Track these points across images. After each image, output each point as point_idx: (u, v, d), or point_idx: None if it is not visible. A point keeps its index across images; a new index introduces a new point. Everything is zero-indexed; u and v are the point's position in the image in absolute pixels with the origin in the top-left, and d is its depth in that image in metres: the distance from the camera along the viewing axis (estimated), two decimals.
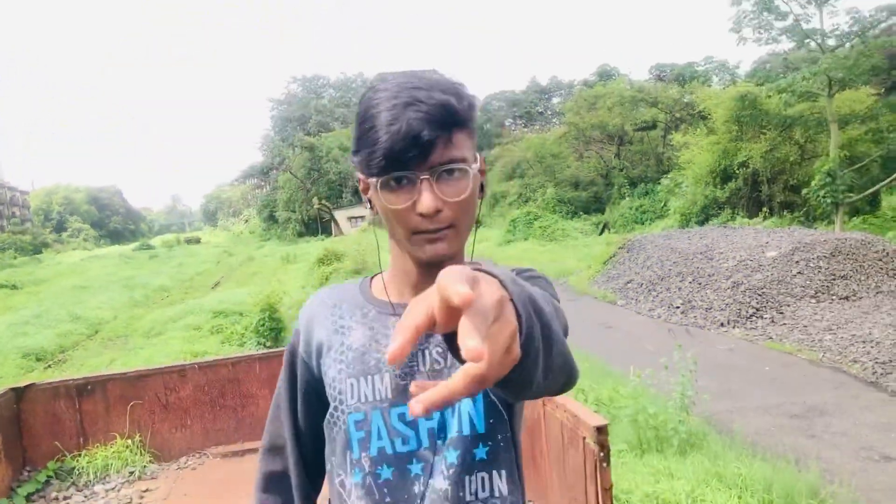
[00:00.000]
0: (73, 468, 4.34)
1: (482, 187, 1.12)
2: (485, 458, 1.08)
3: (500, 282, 0.68)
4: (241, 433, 4.53)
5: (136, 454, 4.40)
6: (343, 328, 1.16)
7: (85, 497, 4.12)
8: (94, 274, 36.08)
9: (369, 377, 1.11)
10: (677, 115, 32.92)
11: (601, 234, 28.37)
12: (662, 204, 28.30)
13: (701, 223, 22.15)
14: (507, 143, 44.10)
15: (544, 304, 0.77)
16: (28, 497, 4.09)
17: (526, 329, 0.68)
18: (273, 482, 1.29)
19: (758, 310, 11.32)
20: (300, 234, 50.71)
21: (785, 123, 21.14)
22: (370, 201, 1.09)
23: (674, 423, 5.71)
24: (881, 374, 8.06)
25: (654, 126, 34.39)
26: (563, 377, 0.87)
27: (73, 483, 4.30)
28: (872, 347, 8.77)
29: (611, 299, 14.50)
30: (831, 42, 19.55)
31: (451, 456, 1.07)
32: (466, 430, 1.08)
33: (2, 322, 18.97)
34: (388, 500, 1.09)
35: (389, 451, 1.09)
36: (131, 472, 4.32)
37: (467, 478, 1.07)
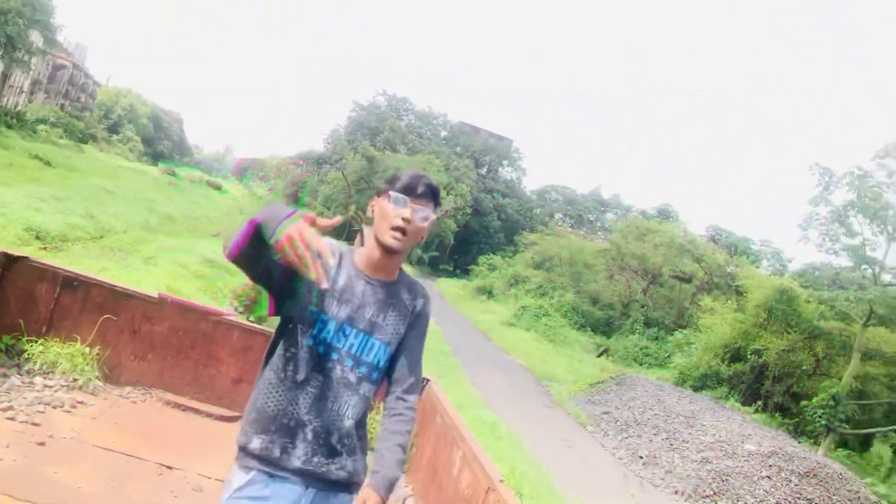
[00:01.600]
0: (24, 351, 4.32)
1: (423, 236, 2.05)
2: (376, 379, 2.02)
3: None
4: (194, 388, 4.48)
5: (87, 364, 4.37)
6: (341, 268, 2.01)
7: (21, 382, 4.08)
8: (125, 184, 36.45)
9: (337, 302, 1.96)
10: (716, 279, 32.88)
11: (599, 356, 28.16)
12: (667, 355, 28.08)
13: (696, 389, 21.90)
14: (549, 235, 44.26)
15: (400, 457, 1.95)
16: None
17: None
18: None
19: (716, 493, 11.13)
20: (326, 233, 50.90)
21: (812, 332, 21.03)
22: (372, 209, 2.03)
23: None
24: None
25: (689, 280, 34.35)
26: None
27: (17, 364, 4.28)
28: None
29: (582, 421, 14.34)
30: (887, 277, 19.56)
31: (362, 369, 1.97)
32: (375, 361, 2.01)
33: (22, 191, 19.18)
34: (307, 356, 1.93)
35: (327, 339, 1.94)
36: (75, 380, 4.28)
37: (363, 383, 1.99)
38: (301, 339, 1.93)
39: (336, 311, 1.94)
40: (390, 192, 1.95)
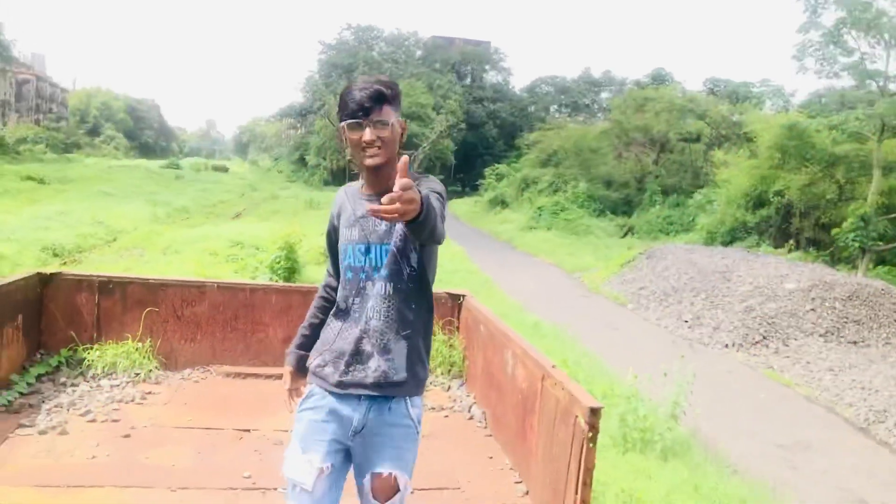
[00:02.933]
0: (84, 360, 4.50)
1: (403, 133, 2.17)
2: (386, 276, 2.10)
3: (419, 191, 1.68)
4: (247, 357, 4.65)
5: (144, 357, 4.55)
6: (351, 204, 2.19)
7: (91, 388, 4.27)
8: (121, 183, 36.43)
9: (348, 229, 2.16)
10: (723, 132, 32.53)
11: (624, 237, 28.29)
12: (691, 218, 28.10)
13: (726, 244, 22.01)
14: (548, 129, 43.74)
15: (435, 204, 1.86)
16: (38, 377, 4.27)
17: (424, 204, 1.66)
18: (328, 273, 2.40)
19: (764, 338, 11.35)
20: (326, 183, 50.78)
21: (829, 160, 20.87)
22: (343, 139, 2.10)
23: (661, 429, 5.81)
24: (873, 421, 8.11)
25: (697, 139, 33.95)
26: (433, 235, 1.83)
27: (81, 373, 4.46)
28: (870, 395, 8.81)
29: (621, 301, 14.56)
30: (893, 86, 19.26)
31: (385, 272, 2.09)
32: (393, 265, 2.10)
33: (26, 214, 19.32)
34: (348, 286, 2.15)
35: (353, 263, 2.13)
36: (137, 374, 4.48)
37: (380, 282, 2.10)
38: (342, 277, 2.20)
39: (349, 236, 2.14)
40: (342, 125, 2.06)
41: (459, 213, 40.24)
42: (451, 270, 15.81)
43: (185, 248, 15.84)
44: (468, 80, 66.23)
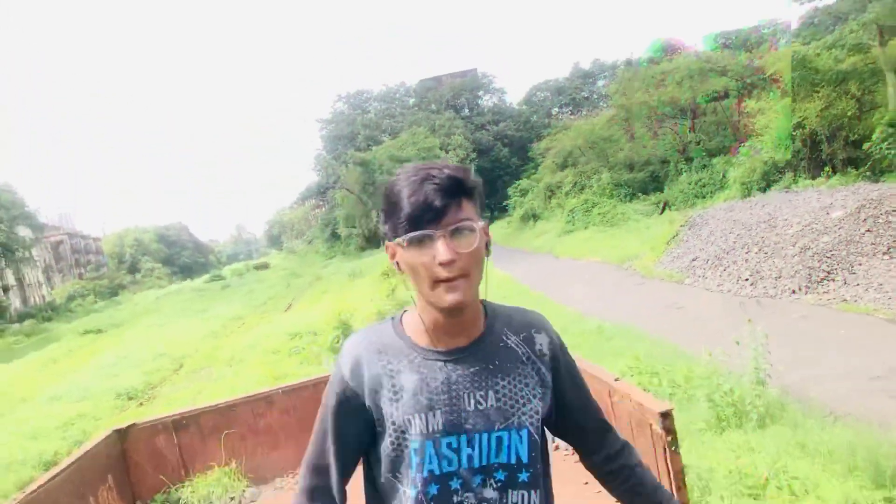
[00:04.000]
0: (179, 499, 4.64)
1: (487, 246, 1.41)
2: (526, 480, 1.44)
3: None
4: None
5: (234, 480, 4.68)
6: (392, 371, 1.43)
7: None
8: (171, 310, 37.39)
9: (423, 414, 1.39)
10: (748, 80, 31.82)
11: (662, 213, 27.97)
12: (721, 175, 27.69)
13: (763, 190, 21.62)
14: (556, 133, 43.75)
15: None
16: None
17: None
18: (317, 494, 1.51)
19: (829, 273, 11.09)
20: (363, 249, 51.39)
21: (838, 79, 20.49)
22: (398, 264, 1.40)
23: (750, 398, 5.72)
24: None
25: (726, 95, 33.28)
26: None
27: None
28: None
29: (678, 279, 14.38)
30: None
31: (500, 475, 1.42)
32: (514, 460, 1.42)
33: (93, 366, 19.91)
34: None
35: (437, 472, 1.40)
36: (232, 498, 4.60)
37: (510, 491, 1.42)
38: (403, 493, 1.44)
39: (424, 427, 1.40)
40: (399, 240, 1.35)
41: (496, 238, 40.23)
42: (501, 297, 15.71)
43: (248, 354, 16.16)
44: (466, 111, 66.79)
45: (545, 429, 1.53)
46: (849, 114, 20.54)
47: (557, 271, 20.50)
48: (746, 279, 12.30)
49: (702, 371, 6.96)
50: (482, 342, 1.45)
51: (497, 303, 1.56)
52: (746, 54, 33.95)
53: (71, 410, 13.64)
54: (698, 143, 32.67)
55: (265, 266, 68.96)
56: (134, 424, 4.50)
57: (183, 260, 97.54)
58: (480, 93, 69.16)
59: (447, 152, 53.59)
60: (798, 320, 9.51)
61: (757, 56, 32.44)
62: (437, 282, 1.33)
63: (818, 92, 20.97)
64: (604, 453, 1.64)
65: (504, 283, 18.20)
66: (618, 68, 57.41)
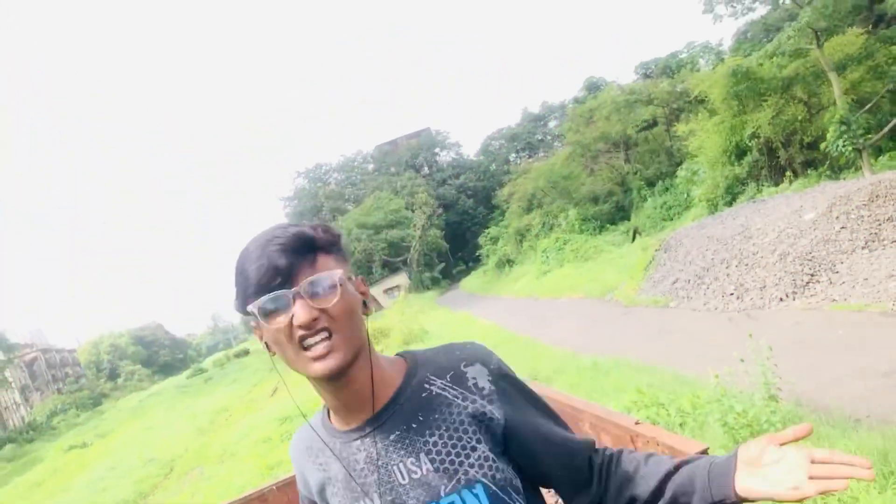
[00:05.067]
0: None
1: (365, 305, 1.23)
2: None
3: None
4: None
5: None
6: (322, 465, 1.30)
7: None
8: (156, 412, 36.47)
9: (359, 501, 1.23)
10: (675, 106, 32.80)
11: (633, 241, 28.07)
12: (685, 195, 28.00)
13: (729, 204, 21.82)
14: (517, 178, 44.15)
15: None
16: None
17: None
18: None
19: (812, 275, 11.02)
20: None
21: (783, 85, 20.93)
22: (266, 344, 1.20)
23: (765, 415, 5.49)
24: None
25: (655, 123, 34.29)
26: None
27: None
28: None
29: (662, 303, 14.23)
30: None
31: None
32: None
33: (80, 482, 19.18)
34: None
35: None
36: None
37: None
38: None
39: None
40: (250, 308, 1.14)
41: (474, 288, 40.08)
42: (491, 346, 15.50)
43: (239, 447, 15.64)
44: (426, 169, 67.42)
45: (521, 479, 1.26)
46: (799, 118, 20.93)
47: (541, 313, 20.29)
48: (731, 293, 12.18)
49: (707, 395, 6.73)
50: (397, 402, 1.23)
51: (422, 349, 1.34)
52: (668, 80, 34.95)
53: None
54: (636, 174, 33.26)
55: (246, 352, 67.88)
56: None
57: (162, 359, 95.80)
58: (437, 149, 69.97)
59: (413, 211, 53.73)
60: (793, 327, 9.35)
61: (679, 81, 33.39)
62: (304, 349, 1.13)
63: (766, 101, 21.37)
64: (599, 487, 1.26)
65: (489, 332, 17.92)
66: (566, 107, 58.57)
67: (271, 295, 1.11)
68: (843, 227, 11.52)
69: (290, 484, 4.41)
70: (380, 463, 1.21)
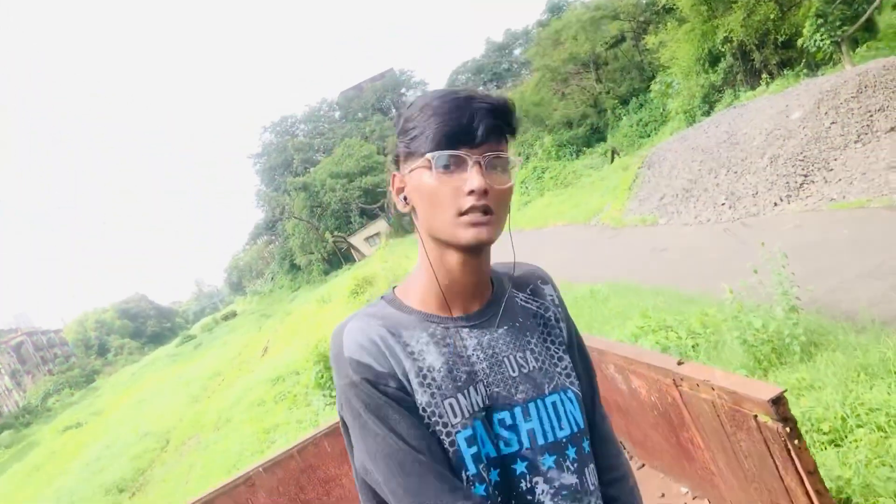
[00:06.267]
0: None
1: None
2: (588, 450, 1.21)
3: None
4: None
5: None
6: (414, 353, 1.15)
7: None
8: (150, 384, 36.14)
9: (465, 391, 1.14)
10: (642, 19, 31.84)
11: (612, 161, 27.53)
12: (661, 110, 27.37)
13: (706, 114, 21.27)
14: None
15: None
16: None
17: None
18: None
19: (806, 176, 10.59)
20: (326, 272, 50.36)
21: None
22: (404, 198, 1.17)
23: (788, 328, 5.06)
24: None
25: (623, 39, 33.33)
26: None
27: None
28: None
29: (651, 221, 13.80)
30: None
31: (571, 452, 1.17)
32: (576, 428, 1.19)
33: (78, 465, 18.84)
34: (499, 499, 1.13)
35: (493, 454, 1.14)
36: None
37: (586, 469, 1.19)
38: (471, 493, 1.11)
39: (469, 406, 1.13)
40: (428, 155, 1.09)
41: None
42: None
43: (233, 412, 15.31)
44: (393, 111, 66.05)
45: None
46: (772, 16, 20.22)
47: (527, 243, 19.84)
48: (723, 203, 11.76)
49: (716, 311, 6.32)
50: (498, 301, 1.24)
51: (489, 262, 1.27)
52: None
53: None
54: (608, 93, 32.45)
55: (233, 314, 67.37)
56: None
57: (150, 329, 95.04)
58: (403, 90, 68.46)
59: (385, 155, 52.81)
60: (794, 232, 8.93)
61: None
62: (461, 214, 1.10)
63: (736, 2, 20.62)
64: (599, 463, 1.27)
65: None
66: (530, 32, 57.16)
67: (459, 152, 1.10)
68: (833, 123, 11.05)
69: (279, 462, 3.95)
70: (491, 353, 1.18)
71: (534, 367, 1.19)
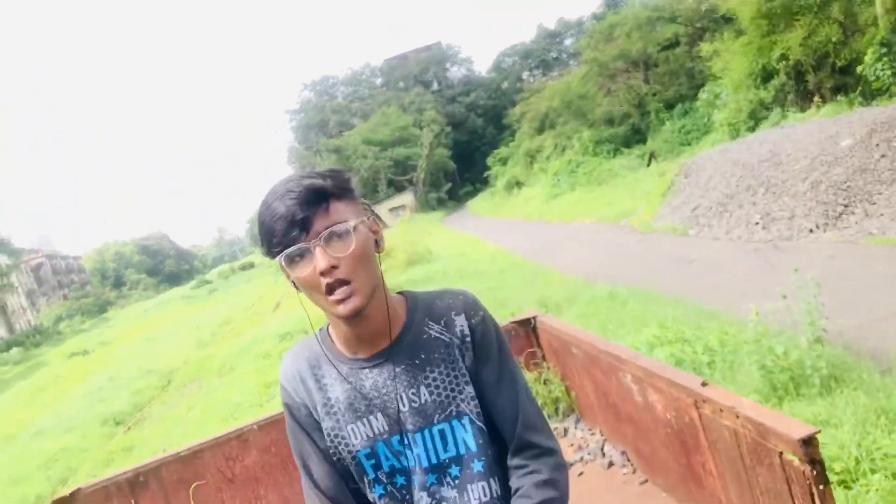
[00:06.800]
0: None
1: (377, 243, 1.37)
2: (482, 470, 1.38)
3: None
4: None
5: None
6: (323, 387, 1.39)
7: None
8: (160, 322, 36.48)
9: (365, 419, 1.37)
10: (699, 25, 31.21)
11: (649, 165, 27.12)
12: (706, 119, 26.88)
13: (751, 129, 20.84)
14: (530, 97, 42.76)
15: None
16: None
17: None
18: None
19: (846, 206, 10.30)
20: None
21: (820, 4, 19.62)
22: (293, 283, 1.32)
23: (810, 360, 4.90)
24: None
25: (677, 43, 32.70)
26: None
27: None
28: None
29: (681, 231, 13.56)
30: None
31: (455, 471, 1.37)
32: (463, 451, 1.37)
33: (80, 392, 19.05)
34: (407, 498, 1.39)
35: (398, 465, 1.39)
36: None
37: (469, 486, 1.37)
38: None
39: (369, 431, 1.37)
40: (276, 260, 1.28)
41: (481, 210, 39.44)
42: (499, 271, 15.02)
43: (239, 361, 15.34)
44: (435, 85, 65.73)
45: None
46: (833, 39, 19.70)
47: (551, 237, 19.66)
48: (757, 223, 11.49)
49: (737, 331, 6.15)
50: (403, 339, 1.39)
51: (423, 291, 1.49)
52: None
53: (55, 445, 12.83)
54: (654, 95, 31.88)
55: (251, 265, 67.80)
56: (78, 490, 3.59)
57: (167, 269, 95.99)
58: (447, 65, 68.01)
59: (421, 129, 52.54)
60: (826, 261, 8.69)
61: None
62: (325, 294, 1.26)
63: (798, 20, 20.12)
64: (513, 462, 1.41)
65: (497, 256, 17.37)
66: (584, 24, 56.37)
67: (293, 248, 1.24)
68: (883, 156, 10.73)
69: (275, 422, 3.89)
70: (385, 390, 1.36)
71: (426, 400, 1.36)
